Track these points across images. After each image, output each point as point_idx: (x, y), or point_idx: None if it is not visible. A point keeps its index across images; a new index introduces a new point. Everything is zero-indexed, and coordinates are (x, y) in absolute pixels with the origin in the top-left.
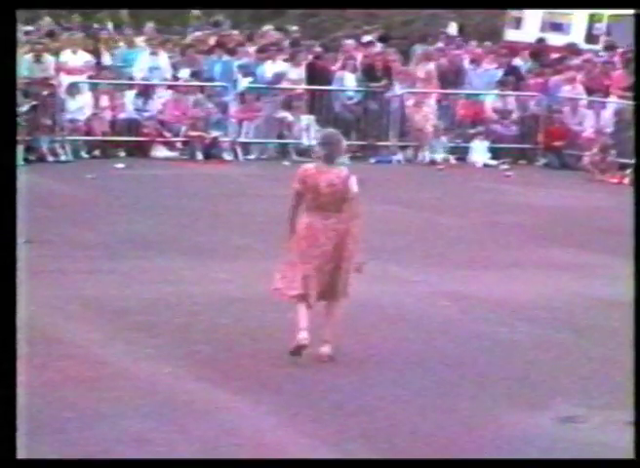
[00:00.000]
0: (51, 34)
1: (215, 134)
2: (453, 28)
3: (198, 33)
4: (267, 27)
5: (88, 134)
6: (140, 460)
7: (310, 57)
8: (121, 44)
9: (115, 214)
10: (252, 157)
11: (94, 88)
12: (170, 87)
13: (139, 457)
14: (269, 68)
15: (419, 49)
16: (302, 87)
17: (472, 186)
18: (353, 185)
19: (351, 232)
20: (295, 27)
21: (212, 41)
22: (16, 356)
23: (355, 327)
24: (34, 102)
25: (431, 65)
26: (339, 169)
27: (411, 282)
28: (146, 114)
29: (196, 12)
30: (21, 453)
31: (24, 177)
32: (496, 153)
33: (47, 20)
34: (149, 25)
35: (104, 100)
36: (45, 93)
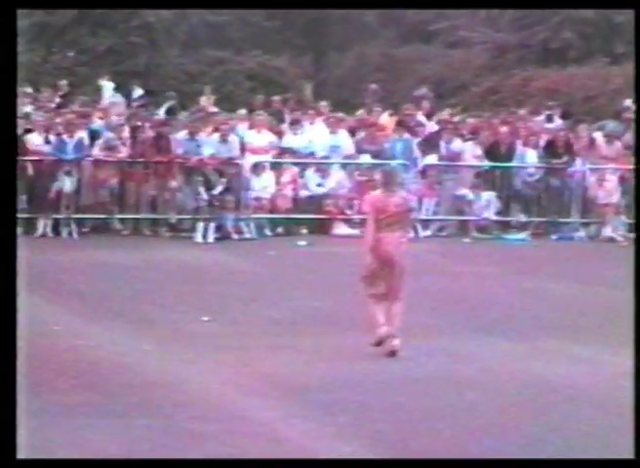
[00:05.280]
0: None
1: None
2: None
3: (377, 108)
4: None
5: (271, 211)
6: (142, 460)
7: (490, 133)
8: (303, 123)
9: (297, 291)
10: (432, 234)
11: (277, 167)
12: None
13: None
14: (449, 146)
15: (610, 126)
16: (484, 164)
17: None
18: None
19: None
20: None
21: (389, 119)
22: (16, 352)
23: (536, 406)
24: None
25: (619, 143)
26: (399, 193)
27: (594, 361)
28: (327, 192)
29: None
30: None
31: (211, 255)
32: None
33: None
34: (324, 104)
35: (287, 178)
36: (230, 172)
